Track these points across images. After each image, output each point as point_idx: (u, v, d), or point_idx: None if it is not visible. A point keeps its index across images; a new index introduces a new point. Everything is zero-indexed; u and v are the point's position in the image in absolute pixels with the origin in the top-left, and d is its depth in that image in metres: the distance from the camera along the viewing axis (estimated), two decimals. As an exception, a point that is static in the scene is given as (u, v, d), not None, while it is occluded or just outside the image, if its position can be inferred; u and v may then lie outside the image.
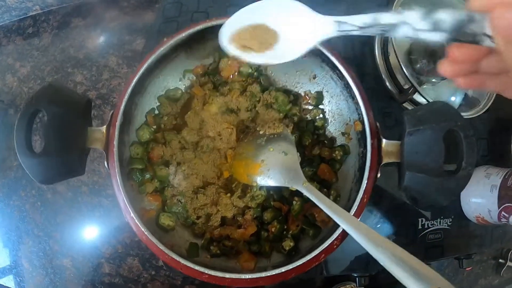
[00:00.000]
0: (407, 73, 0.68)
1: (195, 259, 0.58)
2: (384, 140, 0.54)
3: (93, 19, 0.86)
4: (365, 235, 0.47)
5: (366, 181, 0.52)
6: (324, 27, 0.43)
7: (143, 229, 0.52)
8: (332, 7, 0.77)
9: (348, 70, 0.56)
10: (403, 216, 0.75)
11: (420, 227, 0.75)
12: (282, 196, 0.62)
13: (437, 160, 0.50)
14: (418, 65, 0.74)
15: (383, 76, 0.75)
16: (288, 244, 0.59)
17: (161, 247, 0.51)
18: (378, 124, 0.56)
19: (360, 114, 0.59)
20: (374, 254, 0.46)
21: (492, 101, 0.76)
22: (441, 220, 0.75)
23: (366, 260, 0.73)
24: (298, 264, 0.51)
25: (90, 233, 0.80)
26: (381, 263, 0.46)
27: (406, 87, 0.73)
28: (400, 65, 0.69)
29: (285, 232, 0.61)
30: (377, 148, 0.54)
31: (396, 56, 0.69)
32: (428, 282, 0.42)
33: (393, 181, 0.73)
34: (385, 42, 0.76)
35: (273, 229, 0.60)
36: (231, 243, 0.60)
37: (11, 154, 0.83)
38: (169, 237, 0.60)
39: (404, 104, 0.75)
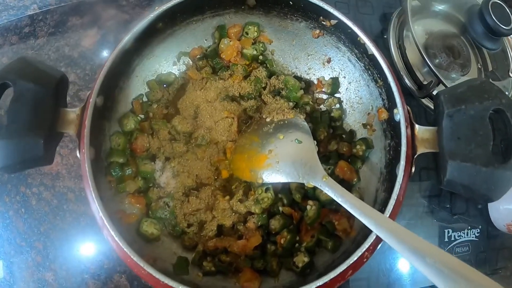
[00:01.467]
0: (431, 65, 0.53)
1: (183, 277, 0.40)
2: (417, 126, 0.39)
3: (90, 18, 0.73)
4: (408, 242, 0.32)
5: (402, 175, 0.36)
6: None
7: (113, 233, 0.34)
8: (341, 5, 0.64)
9: (373, 42, 0.40)
10: (427, 227, 0.59)
11: (446, 239, 0.59)
12: (293, 201, 0.45)
13: (485, 145, 0.36)
14: (437, 60, 0.60)
15: (400, 72, 0.61)
16: (301, 259, 0.41)
17: (135, 258, 0.34)
18: (409, 108, 0.40)
19: (384, 99, 0.44)
20: (420, 268, 0.31)
21: None
22: (468, 231, 0.59)
23: (388, 282, 0.55)
24: (319, 284, 0.33)
25: (75, 244, 0.64)
26: (431, 280, 0.31)
27: (425, 82, 0.58)
28: (423, 57, 0.54)
29: (297, 244, 0.43)
30: (410, 135, 0.38)
31: (418, 49, 0.54)
32: None
33: (415, 188, 0.59)
34: (400, 35, 0.62)
35: (282, 241, 0.42)
36: (229, 258, 0.42)
37: (-5, 157, 0.68)
38: (152, 249, 0.42)
39: (423, 100, 0.60)
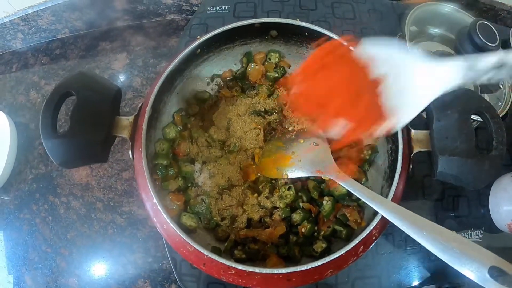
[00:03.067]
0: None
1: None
2: (413, 130, 0.54)
3: (119, 43, 0.90)
4: (406, 219, 0.44)
5: (400, 167, 0.50)
6: (448, 75, 0.39)
7: (164, 215, 0.48)
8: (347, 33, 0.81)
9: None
10: None
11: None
12: (312, 198, 0.59)
13: (468, 140, 0.49)
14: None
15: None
16: (320, 245, 0.55)
17: (184, 236, 0.47)
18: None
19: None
20: (419, 240, 0.43)
21: (508, 107, 0.74)
22: (472, 232, 0.70)
23: (398, 279, 0.67)
24: (336, 256, 0.46)
25: (100, 251, 0.75)
26: (429, 249, 0.43)
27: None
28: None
29: (315, 234, 0.57)
30: (407, 138, 0.53)
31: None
32: (483, 263, 0.39)
33: (419, 193, 0.72)
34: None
35: (303, 229, 0.56)
36: (257, 246, 0.56)
37: (27, 167, 0.82)
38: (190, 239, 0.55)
39: (423, 114, 0.74)
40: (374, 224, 0.47)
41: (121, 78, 0.87)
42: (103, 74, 0.87)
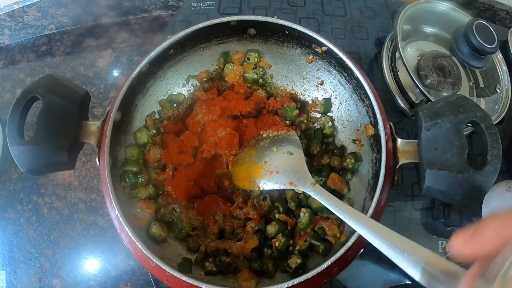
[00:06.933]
0: (420, 86, 0.62)
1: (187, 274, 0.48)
2: (399, 140, 0.47)
3: (105, 40, 0.85)
4: (386, 238, 0.38)
5: (382, 181, 0.44)
6: None
7: (127, 229, 0.43)
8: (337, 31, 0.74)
9: (358, 66, 0.50)
10: (420, 239, 0.64)
11: (440, 250, 0.63)
12: (289, 209, 0.53)
13: (460, 154, 0.42)
14: (428, 80, 0.68)
15: (393, 92, 0.69)
16: (294, 261, 0.49)
17: (146, 251, 0.42)
18: (391, 124, 0.49)
19: (371, 117, 0.52)
20: (399, 262, 0.37)
21: (505, 112, 0.67)
22: None
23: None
24: (307, 277, 0.40)
25: (83, 253, 0.72)
26: (409, 273, 0.36)
27: (417, 102, 0.67)
28: (412, 79, 0.62)
29: (291, 248, 0.51)
30: (392, 148, 0.46)
31: (408, 71, 0.63)
32: None
33: (408, 202, 0.66)
34: (392, 57, 0.71)
35: (277, 243, 0.50)
36: (229, 259, 0.50)
37: (12, 166, 0.78)
38: (159, 249, 0.50)
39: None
40: (350, 244, 0.41)
41: (105, 75, 0.82)
42: (88, 71, 0.82)
